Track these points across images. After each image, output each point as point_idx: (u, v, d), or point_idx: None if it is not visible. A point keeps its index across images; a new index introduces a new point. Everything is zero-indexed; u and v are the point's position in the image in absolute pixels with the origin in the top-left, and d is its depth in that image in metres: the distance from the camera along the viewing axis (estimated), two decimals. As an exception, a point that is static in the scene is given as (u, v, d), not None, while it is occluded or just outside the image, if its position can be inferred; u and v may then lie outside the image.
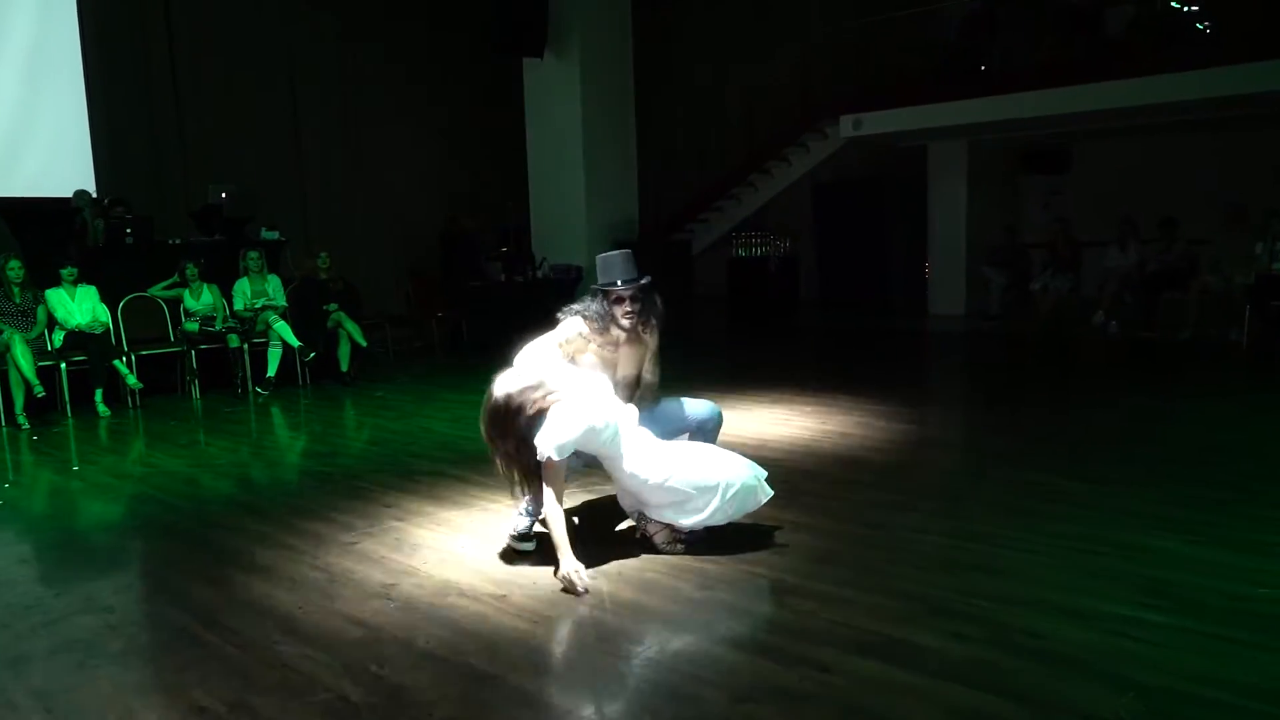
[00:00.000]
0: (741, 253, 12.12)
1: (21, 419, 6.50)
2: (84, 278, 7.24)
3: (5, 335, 6.58)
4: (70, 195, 8.54)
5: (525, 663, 2.61)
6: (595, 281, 3.73)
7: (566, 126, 11.03)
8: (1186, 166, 10.37)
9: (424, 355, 9.79)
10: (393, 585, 3.22)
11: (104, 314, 7.20)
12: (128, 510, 4.36)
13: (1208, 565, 3.10)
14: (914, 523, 3.64)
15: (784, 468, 4.51)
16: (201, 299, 7.74)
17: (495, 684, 2.49)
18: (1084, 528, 3.48)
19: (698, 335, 10.42)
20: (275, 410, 7.06)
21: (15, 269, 6.83)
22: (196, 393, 7.55)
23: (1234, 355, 7.85)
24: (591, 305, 3.69)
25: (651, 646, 2.68)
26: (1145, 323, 8.91)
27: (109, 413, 6.85)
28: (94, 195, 8.77)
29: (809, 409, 5.96)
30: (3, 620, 3.06)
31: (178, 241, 8.45)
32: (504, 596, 3.07)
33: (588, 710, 2.37)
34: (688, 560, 3.33)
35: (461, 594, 3.11)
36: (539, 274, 11.21)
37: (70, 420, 6.76)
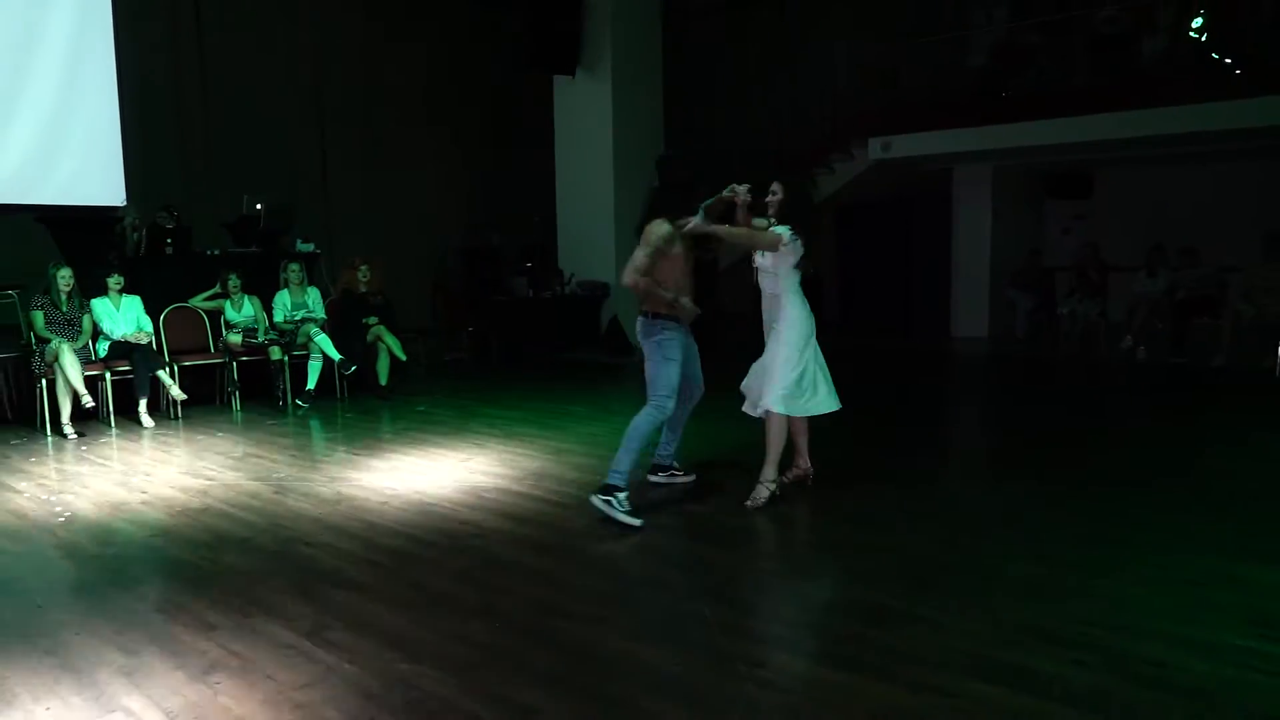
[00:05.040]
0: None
1: (68, 428, 6.49)
2: (128, 288, 7.25)
3: (54, 344, 6.59)
4: (105, 203, 8.56)
5: (649, 683, 2.62)
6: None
7: (596, 144, 11.11)
8: (1212, 194, 10.47)
9: (454, 368, 9.79)
10: (491, 604, 3.23)
11: (148, 324, 7.21)
12: (201, 525, 4.36)
13: (1307, 596, 3.13)
14: (1002, 550, 3.66)
15: (853, 490, 4.54)
16: (243, 310, 7.75)
17: (625, 705, 2.50)
18: (1175, 557, 3.51)
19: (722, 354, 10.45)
20: (319, 425, 7.06)
21: (66, 277, 6.84)
22: (237, 404, 7.55)
23: (1268, 383, 7.90)
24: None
25: (771, 669, 2.69)
26: (1175, 349, 8.97)
27: (153, 423, 6.85)
28: (126, 204, 8.79)
29: (858, 433, 5.98)
30: (106, 634, 3.06)
31: (216, 253, 8.47)
32: (604, 619, 3.09)
33: (725, 735, 2.38)
34: (786, 582, 3.35)
35: (566, 615, 3.13)
36: (566, 290, 11.27)
37: (114, 431, 6.75)
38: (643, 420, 4.20)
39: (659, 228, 4.22)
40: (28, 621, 3.22)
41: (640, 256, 4.20)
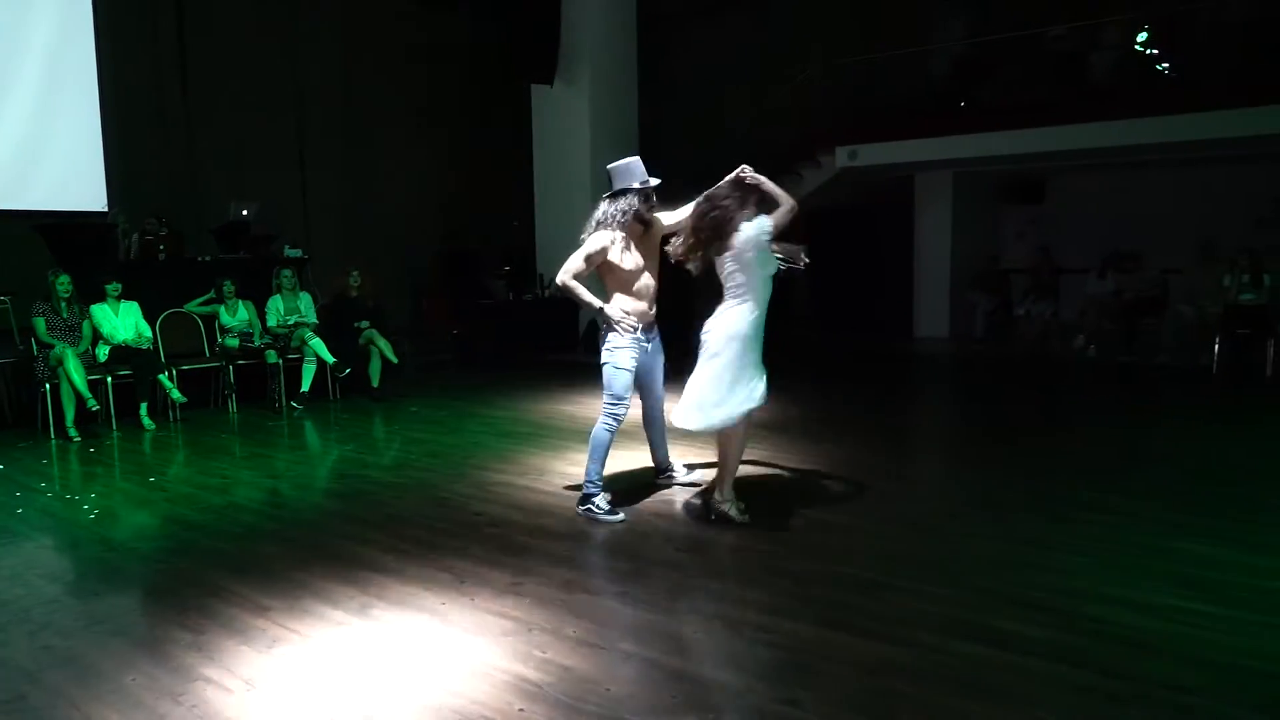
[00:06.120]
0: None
1: (73, 431, 6.69)
2: (125, 294, 7.44)
3: (58, 349, 6.77)
4: (87, 209, 8.75)
5: (672, 646, 3.00)
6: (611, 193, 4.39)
7: (574, 151, 11.46)
8: (1158, 200, 11.13)
9: (440, 369, 10.08)
10: (519, 583, 3.59)
11: (147, 330, 7.42)
12: (228, 519, 4.64)
13: (1229, 563, 3.62)
14: (968, 529, 4.11)
15: (835, 479, 4.98)
16: (238, 315, 7.98)
17: (649, 664, 2.88)
18: (1118, 533, 3.99)
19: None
20: (317, 425, 7.33)
21: (65, 284, 7.02)
22: (233, 407, 7.78)
23: (1206, 379, 8.51)
24: (624, 205, 4.34)
25: (775, 633, 3.09)
26: (1123, 347, 9.58)
27: (154, 426, 7.06)
28: (115, 210, 8.95)
29: (837, 425, 6.43)
30: (168, 615, 3.36)
31: (208, 259, 8.67)
32: (625, 593, 3.46)
33: (745, 684, 2.76)
34: (777, 562, 3.75)
35: (585, 589, 3.50)
36: (546, 293, 11.60)
37: (116, 433, 6.95)
38: (598, 430, 4.45)
39: (599, 234, 4.32)
40: (90, 607, 3.51)
41: (572, 258, 4.35)
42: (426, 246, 12.08)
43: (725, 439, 4.24)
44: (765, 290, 4.18)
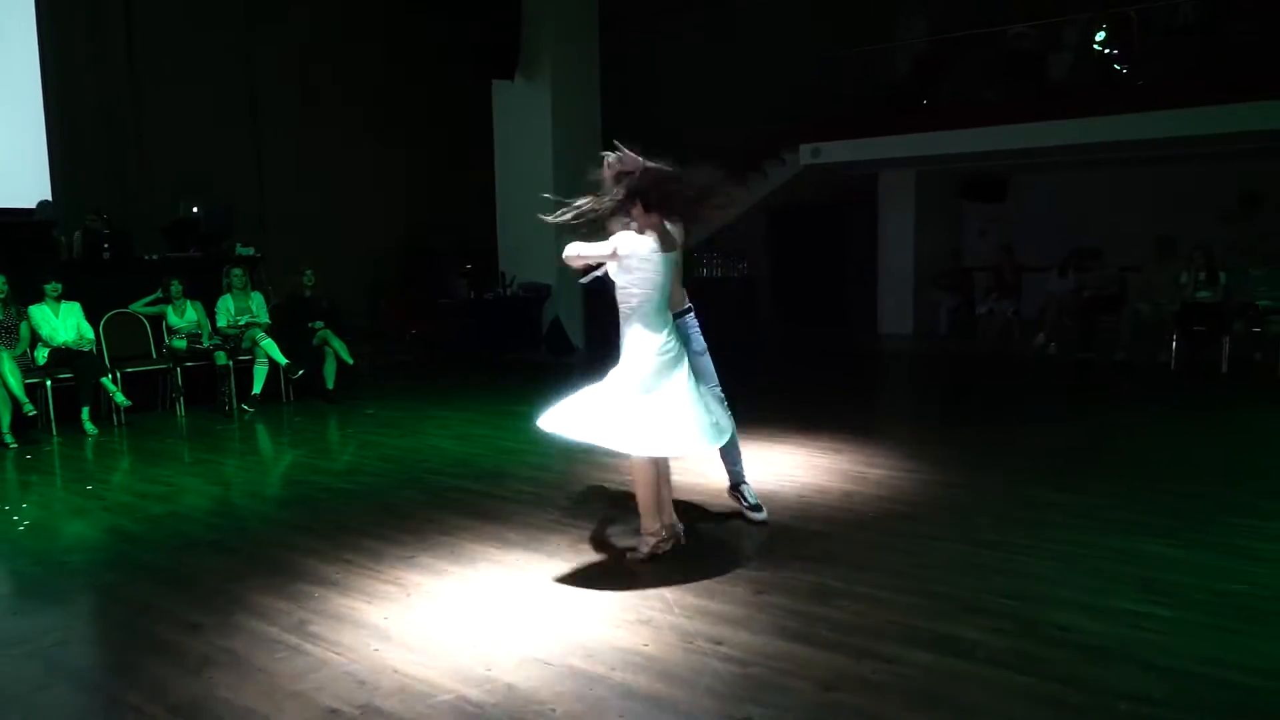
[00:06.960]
0: (702, 273, 12.55)
1: (9, 438, 6.41)
2: (66, 294, 7.16)
3: (-8, 352, 6.50)
4: (28, 205, 8.43)
5: (621, 662, 2.88)
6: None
7: (536, 146, 11.28)
8: (1117, 198, 11.24)
9: (399, 370, 9.87)
10: (466, 595, 3.44)
11: (89, 331, 7.15)
12: (167, 529, 4.44)
13: (1189, 566, 3.58)
14: (930, 532, 4.04)
15: (796, 482, 4.89)
16: (186, 316, 7.72)
17: (602, 681, 2.75)
18: (1079, 534, 3.94)
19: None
20: (268, 429, 7.11)
21: (-1, 284, 6.74)
22: (181, 410, 7.53)
23: (1163, 375, 8.58)
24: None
25: (730, 645, 2.98)
26: (1083, 344, 9.63)
27: (96, 431, 6.80)
28: (43, 202, 8.63)
29: (798, 431, 6.34)
30: (91, 636, 3.18)
31: (155, 258, 8.39)
32: (578, 605, 3.33)
33: (696, 701, 2.65)
34: (733, 571, 3.65)
35: (534, 602, 3.36)
36: (508, 292, 11.43)
37: (56, 439, 6.69)
38: None
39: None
40: (8, 626, 3.31)
41: None
42: (385, 245, 11.84)
43: (635, 469, 3.74)
44: (659, 312, 3.61)
